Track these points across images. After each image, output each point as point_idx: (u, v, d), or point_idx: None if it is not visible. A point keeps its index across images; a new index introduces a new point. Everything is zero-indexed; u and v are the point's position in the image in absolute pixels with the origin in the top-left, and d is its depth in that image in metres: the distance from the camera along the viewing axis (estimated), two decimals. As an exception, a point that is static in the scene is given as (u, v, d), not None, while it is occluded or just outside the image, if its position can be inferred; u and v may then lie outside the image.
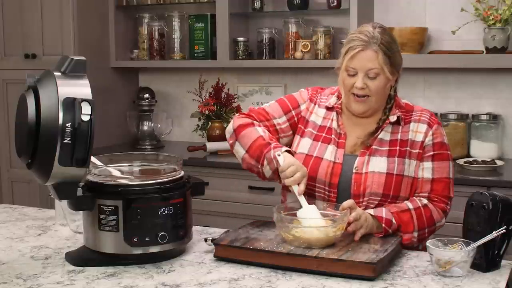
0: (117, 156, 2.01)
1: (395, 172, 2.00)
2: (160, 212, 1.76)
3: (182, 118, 4.20)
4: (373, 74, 1.98)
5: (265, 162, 1.99)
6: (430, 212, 1.99)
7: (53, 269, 1.76)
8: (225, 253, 1.80)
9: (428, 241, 1.73)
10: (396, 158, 2.01)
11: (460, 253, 1.68)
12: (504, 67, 3.26)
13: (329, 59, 3.57)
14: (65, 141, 1.59)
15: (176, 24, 4.03)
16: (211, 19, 3.87)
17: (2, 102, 4.04)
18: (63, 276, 1.70)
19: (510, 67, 3.22)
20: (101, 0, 3.97)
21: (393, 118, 2.05)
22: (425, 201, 2.00)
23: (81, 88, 1.64)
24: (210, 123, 3.77)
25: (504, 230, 1.70)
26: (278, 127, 2.14)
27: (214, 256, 1.82)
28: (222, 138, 3.70)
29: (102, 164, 1.89)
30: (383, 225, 1.91)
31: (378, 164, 2.01)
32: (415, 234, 1.96)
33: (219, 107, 3.74)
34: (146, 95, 4.05)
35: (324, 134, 2.10)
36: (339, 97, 2.12)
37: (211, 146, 3.69)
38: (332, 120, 2.11)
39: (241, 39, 3.82)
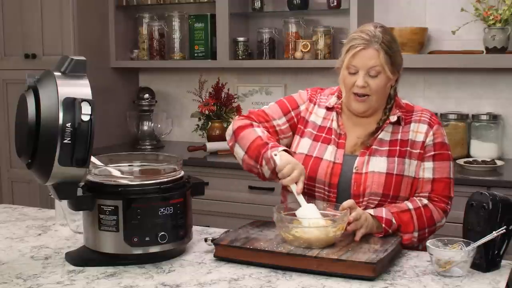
0: (117, 156, 2.01)
1: (395, 172, 2.00)
2: (160, 212, 1.76)
3: (182, 118, 4.20)
4: (375, 72, 1.98)
5: (263, 162, 1.99)
6: (430, 212, 1.99)
7: (53, 269, 1.76)
8: (225, 253, 1.80)
9: (428, 241, 1.73)
10: (396, 158, 2.01)
11: (460, 253, 1.68)
12: (504, 67, 3.26)
13: (329, 59, 3.57)
14: (65, 141, 1.59)
15: (176, 24, 4.03)
16: (211, 19, 3.87)
17: (2, 102, 4.04)
18: (63, 276, 1.70)
19: (510, 67, 3.22)
20: (101, 0, 3.97)
21: (393, 118, 2.05)
22: (425, 201, 2.00)
23: (81, 88, 1.64)
24: (210, 123, 3.77)
25: (504, 230, 1.70)
26: (277, 128, 2.14)
27: (214, 256, 1.82)
28: (222, 138, 3.70)
29: (102, 164, 1.89)
30: (383, 225, 1.91)
31: (378, 164, 2.01)
32: (415, 234, 1.96)
33: (219, 107, 3.74)
34: (146, 95, 4.05)
35: (324, 135, 2.10)
36: (339, 97, 2.12)
37: (211, 146, 3.69)
38: (332, 120, 2.11)
39: (241, 39, 3.82)
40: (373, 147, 2.04)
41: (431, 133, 2.04)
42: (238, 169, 2.97)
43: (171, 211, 1.77)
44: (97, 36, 3.95)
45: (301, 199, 1.90)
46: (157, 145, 4.02)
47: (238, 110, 3.78)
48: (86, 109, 1.60)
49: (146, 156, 2.15)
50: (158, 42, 4.05)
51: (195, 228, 1.96)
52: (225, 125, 3.76)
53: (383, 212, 1.93)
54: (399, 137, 2.05)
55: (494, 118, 3.37)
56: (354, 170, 2.02)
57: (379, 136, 2.04)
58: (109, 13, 4.02)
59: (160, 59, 4.06)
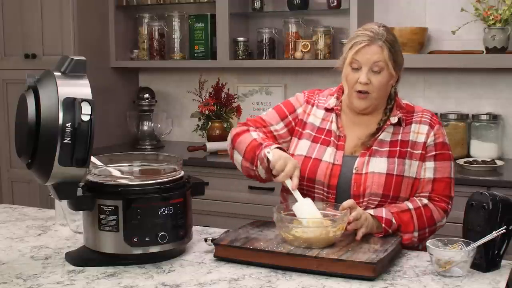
0: (117, 156, 2.01)
1: (395, 173, 2.00)
2: (160, 212, 1.76)
3: (182, 118, 4.20)
4: (378, 68, 1.99)
5: (258, 163, 1.99)
6: (430, 211, 1.99)
7: (53, 269, 1.76)
8: (225, 253, 1.80)
9: (428, 241, 1.73)
10: (396, 159, 2.01)
11: (460, 253, 1.68)
12: (504, 67, 3.26)
13: (329, 59, 3.56)
14: (65, 141, 1.59)
15: (176, 24, 4.03)
16: (211, 19, 3.87)
17: (2, 102, 4.04)
18: (63, 276, 1.70)
19: (510, 67, 3.22)
20: (101, 0, 3.97)
21: (394, 120, 2.05)
22: (425, 201, 2.01)
23: (81, 88, 1.64)
24: (210, 123, 3.77)
25: (504, 230, 1.70)
26: (276, 133, 2.14)
27: (214, 256, 1.82)
28: (222, 138, 3.70)
29: (102, 164, 1.89)
30: (383, 225, 1.91)
31: (378, 165, 2.01)
32: (415, 234, 1.96)
33: (219, 107, 3.74)
34: (146, 95, 4.05)
35: (323, 136, 2.10)
36: (338, 98, 2.12)
37: (211, 146, 3.69)
38: (331, 122, 2.11)
39: (241, 39, 3.82)
40: (374, 147, 2.04)
41: (432, 133, 2.04)
42: (238, 169, 2.98)
43: (171, 211, 1.77)
44: (97, 36, 3.95)
45: (297, 194, 1.90)
46: (157, 145, 4.02)
47: (238, 110, 3.78)
48: (86, 109, 1.60)
49: (146, 156, 2.15)
50: (158, 42, 4.05)
51: (195, 228, 1.96)
52: (225, 125, 3.76)
53: (383, 212, 1.93)
54: (399, 137, 2.05)
55: (494, 118, 3.37)
56: (354, 171, 2.02)
57: (380, 137, 2.05)
58: (109, 13, 4.02)
59: (160, 59, 4.06)
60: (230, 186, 3.45)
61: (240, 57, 3.83)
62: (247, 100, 4.01)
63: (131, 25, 4.17)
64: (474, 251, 1.68)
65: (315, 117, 2.14)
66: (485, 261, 1.71)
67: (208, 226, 2.20)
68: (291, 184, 1.90)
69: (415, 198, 2.02)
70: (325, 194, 2.03)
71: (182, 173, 1.89)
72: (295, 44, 3.68)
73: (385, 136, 2.05)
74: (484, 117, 3.38)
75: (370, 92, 2.01)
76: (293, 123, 2.15)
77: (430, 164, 2.03)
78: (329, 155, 2.05)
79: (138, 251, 1.76)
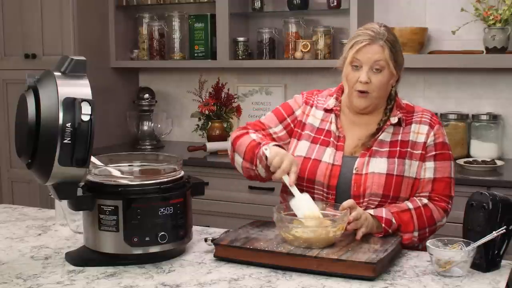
0: (117, 156, 2.01)
1: (395, 173, 2.00)
2: (160, 212, 1.76)
3: (182, 118, 4.20)
4: (379, 66, 1.99)
5: (258, 162, 1.99)
6: (430, 211, 1.99)
7: (53, 269, 1.76)
8: (225, 253, 1.80)
9: (428, 241, 1.73)
10: (396, 159, 2.01)
11: (460, 253, 1.68)
12: (504, 67, 3.26)
13: (329, 59, 3.56)
14: (65, 141, 1.59)
15: (176, 24, 4.03)
16: (211, 19, 3.87)
17: (2, 102, 4.04)
18: (63, 276, 1.70)
19: (510, 67, 3.22)
20: (101, 0, 3.97)
21: (394, 120, 2.05)
22: (425, 200, 2.01)
23: (81, 88, 1.64)
24: (210, 123, 3.77)
25: (504, 230, 1.70)
26: (275, 135, 2.14)
27: (214, 256, 1.82)
28: (222, 138, 3.71)
29: (102, 164, 1.89)
30: (383, 225, 1.91)
31: (378, 165, 2.01)
32: (416, 234, 1.96)
33: (219, 107, 3.74)
34: (146, 95, 4.05)
35: (322, 137, 2.10)
36: (337, 99, 2.12)
37: (211, 146, 3.69)
38: (330, 122, 2.11)
39: (241, 39, 3.82)
40: (374, 148, 2.04)
41: (432, 133, 2.04)
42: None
43: (171, 211, 1.77)
44: (97, 36, 3.95)
45: (294, 190, 1.90)
46: (157, 145, 4.02)
47: (238, 110, 3.78)
48: (86, 109, 1.60)
49: (146, 156, 2.15)
50: (158, 42, 4.05)
51: (195, 228, 1.96)
52: (225, 125, 3.76)
53: (383, 212, 1.93)
54: (399, 138, 2.05)
55: (494, 118, 3.37)
56: (354, 171, 2.02)
57: (380, 137, 2.05)
58: (109, 13, 4.02)
59: (160, 59, 4.06)
60: (230, 186, 3.45)
61: (240, 57, 3.82)
62: (247, 100, 4.01)
63: (131, 25, 4.17)
64: (474, 251, 1.68)
65: (314, 117, 2.14)
66: (485, 261, 1.71)
67: (208, 226, 2.20)
68: (289, 180, 1.90)
69: (415, 198, 2.02)
70: (324, 194, 2.03)
71: (182, 173, 1.89)
72: (295, 44, 3.68)
73: (385, 136, 2.05)
74: (484, 117, 3.38)
75: (370, 92, 2.01)
76: (292, 125, 2.15)
77: (430, 164, 2.03)
78: (328, 155, 2.05)
79: (138, 251, 1.76)
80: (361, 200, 1.99)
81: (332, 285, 1.62)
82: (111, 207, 1.74)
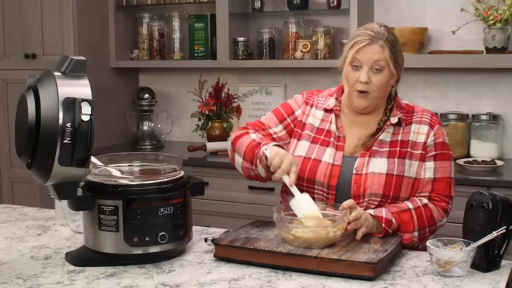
0: (117, 156, 2.01)
1: (395, 173, 2.00)
2: (160, 212, 1.75)
3: (182, 118, 4.20)
4: (379, 66, 1.99)
5: (258, 162, 1.99)
6: (430, 211, 1.99)
7: (53, 269, 1.76)
8: (225, 253, 1.80)
9: (428, 241, 1.73)
10: (396, 159, 2.01)
11: (460, 253, 1.68)
12: (504, 67, 3.26)
13: (329, 59, 3.56)
14: (65, 141, 1.59)
15: (176, 24, 4.03)
16: (211, 19, 3.87)
17: (2, 102, 4.04)
18: (63, 276, 1.70)
19: (510, 67, 3.22)
20: (101, 0, 3.97)
21: (394, 120, 2.05)
22: (425, 200, 2.01)
23: (81, 88, 1.64)
24: (210, 123, 3.77)
25: (504, 230, 1.70)
26: (275, 136, 2.14)
27: (214, 256, 1.82)
28: (222, 138, 3.71)
29: (102, 164, 1.89)
30: (383, 225, 1.91)
31: (378, 165, 2.01)
32: (416, 233, 1.96)
33: (219, 107, 3.74)
34: (146, 95, 4.05)
35: (322, 137, 2.10)
36: (337, 99, 2.13)
37: (211, 146, 3.69)
38: (330, 122, 2.11)
39: (241, 39, 3.82)
40: (374, 148, 2.04)
41: (432, 133, 2.04)
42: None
43: (171, 211, 1.77)
44: (97, 36, 3.95)
45: (294, 190, 1.90)
46: (157, 145, 4.02)
47: (238, 110, 3.78)
48: (86, 109, 1.60)
49: (146, 156, 2.15)
50: (158, 42, 4.05)
51: (195, 228, 1.96)
52: (225, 125, 3.76)
53: (383, 212, 1.93)
54: (399, 138, 2.05)
55: (494, 118, 3.37)
56: (354, 171, 2.02)
57: (380, 137, 2.05)
58: (109, 13, 4.02)
59: (160, 59, 4.06)
60: (230, 186, 3.45)
61: (240, 57, 3.83)
62: (247, 100, 4.01)
63: (131, 25, 4.17)
64: (474, 251, 1.68)
65: (314, 117, 2.14)
66: (485, 261, 1.71)
67: (208, 226, 2.20)
68: (289, 180, 1.90)
69: (415, 198, 2.02)
70: (324, 194, 2.03)
71: (182, 173, 1.89)
72: (295, 44, 3.68)
73: (385, 136, 2.05)
74: (484, 117, 3.38)
75: (370, 92, 2.02)
76: (291, 125, 2.15)
77: (430, 164, 2.03)
78: (328, 155, 2.05)
79: (138, 251, 1.76)
80: (361, 200, 1.99)
81: (332, 285, 1.62)
82: (111, 207, 1.74)
